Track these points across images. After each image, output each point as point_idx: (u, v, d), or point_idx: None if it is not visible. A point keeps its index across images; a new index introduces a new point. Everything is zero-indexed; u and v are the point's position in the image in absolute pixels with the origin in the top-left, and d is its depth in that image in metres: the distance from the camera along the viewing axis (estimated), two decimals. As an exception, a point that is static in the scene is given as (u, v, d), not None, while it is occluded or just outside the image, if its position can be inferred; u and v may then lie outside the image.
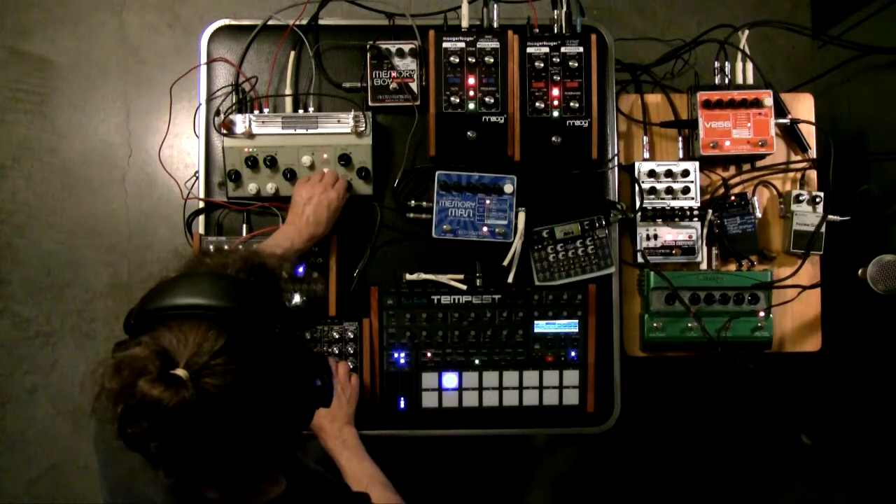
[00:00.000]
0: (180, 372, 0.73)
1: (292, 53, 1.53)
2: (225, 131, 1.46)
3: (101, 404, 0.75)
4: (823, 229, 1.58)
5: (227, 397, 0.74)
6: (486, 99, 1.47)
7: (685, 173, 1.58)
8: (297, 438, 0.92)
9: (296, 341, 0.88)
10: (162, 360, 0.73)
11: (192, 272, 0.85)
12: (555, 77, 1.48)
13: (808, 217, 1.59)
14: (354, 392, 1.42)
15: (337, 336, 1.49)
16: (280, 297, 0.90)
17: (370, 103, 1.51)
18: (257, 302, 0.82)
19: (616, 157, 1.58)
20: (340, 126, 1.47)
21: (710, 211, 1.58)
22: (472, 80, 1.48)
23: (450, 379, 1.52)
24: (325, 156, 1.48)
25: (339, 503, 1.01)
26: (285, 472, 0.97)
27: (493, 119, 1.48)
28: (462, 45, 1.48)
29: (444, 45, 1.47)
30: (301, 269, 1.45)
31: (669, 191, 1.57)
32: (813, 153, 1.64)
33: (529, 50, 1.48)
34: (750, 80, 1.60)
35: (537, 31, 1.51)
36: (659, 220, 1.58)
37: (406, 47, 1.50)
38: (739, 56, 1.60)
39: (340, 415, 1.36)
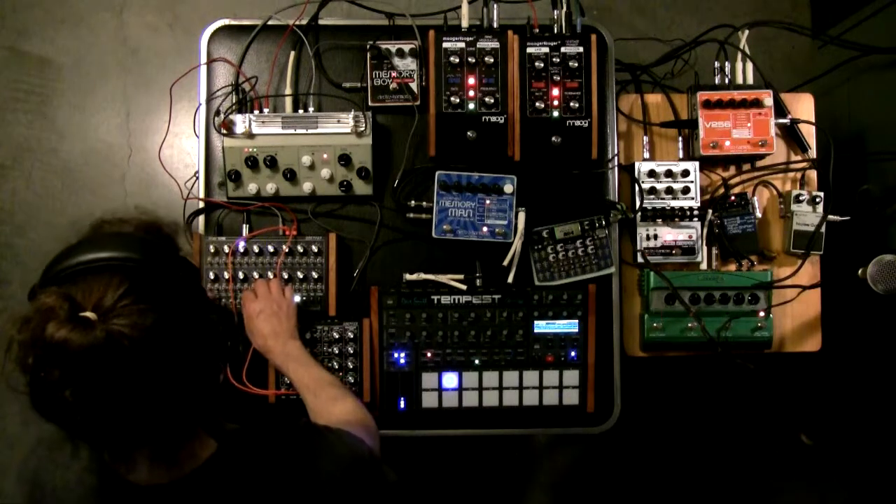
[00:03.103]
0: (88, 314, 0.74)
1: (292, 53, 1.53)
2: (225, 131, 1.47)
3: (12, 365, 0.76)
4: (823, 229, 1.58)
5: (137, 336, 0.76)
6: (486, 99, 1.47)
7: (685, 173, 1.58)
8: (212, 387, 0.93)
9: (197, 288, 0.92)
10: (70, 304, 0.75)
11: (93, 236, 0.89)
12: (555, 77, 1.48)
13: (808, 217, 1.59)
14: (290, 306, 1.41)
15: (337, 336, 1.49)
16: (177, 252, 0.95)
17: (370, 103, 1.51)
18: (156, 251, 0.86)
19: (616, 157, 1.58)
20: (340, 126, 1.47)
21: (710, 211, 1.58)
22: (472, 80, 1.48)
23: (450, 379, 1.52)
24: (325, 156, 1.48)
25: (274, 445, 0.99)
26: (212, 433, 0.96)
27: (493, 119, 1.48)
28: (462, 45, 1.48)
29: (444, 45, 1.47)
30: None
31: (669, 191, 1.57)
32: (813, 153, 1.64)
33: (529, 50, 1.48)
34: (750, 80, 1.60)
35: (537, 31, 1.51)
36: (659, 220, 1.58)
37: (406, 47, 1.50)
38: (739, 56, 1.61)
39: (282, 330, 1.36)
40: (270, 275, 1.47)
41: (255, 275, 1.48)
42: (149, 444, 0.88)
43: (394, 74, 1.51)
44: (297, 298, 1.48)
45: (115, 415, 0.78)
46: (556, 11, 1.52)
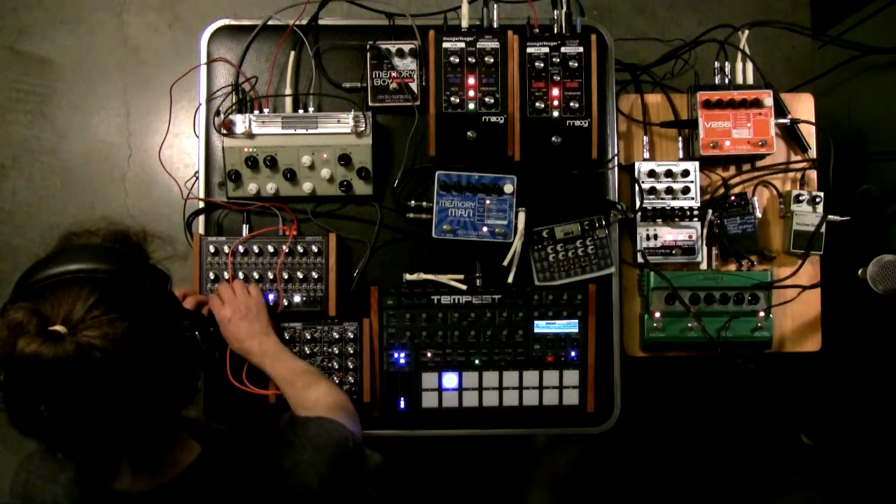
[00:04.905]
0: (58, 327, 0.75)
1: (292, 53, 1.52)
2: (225, 131, 1.47)
3: None
4: (823, 229, 1.58)
5: (108, 347, 0.76)
6: (486, 99, 1.47)
7: (685, 173, 1.58)
8: (190, 393, 0.93)
9: (168, 296, 0.91)
10: (39, 318, 0.75)
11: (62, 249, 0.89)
12: (555, 77, 1.48)
13: (808, 217, 1.59)
14: (258, 304, 1.40)
15: (337, 336, 1.49)
16: (146, 260, 0.95)
17: (370, 103, 1.51)
18: (124, 261, 0.86)
19: (616, 157, 1.58)
20: (340, 126, 1.47)
21: (710, 211, 1.58)
22: (472, 80, 1.48)
23: (450, 379, 1.52)
24: (325, 156, 1.48)
25: (257, 445, 1.00)
26: (196, 437, 0.96)
27: (493, 119, 1.48)
28: (462, 45, 1.48)
29: (444, 45, 1.47)
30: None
31: (669, 191, 1.57)
32: (813, 153, 1.64)
33: (529, 50, 1.48)
34: (750, 80, 1.60)
35: (537, 31, 1.51)
36: (659, 220, 1.58)
37: (406, 47, 1.50)
38: (739, 56, 1.60)
39: (254, 330, 1.35)
40: (270, 275, 1.48)
41: (255, 275, 1.48)
42: (130, 453, 0.88)
43: (394, 74, 1.51)
44: (298, 299, 1.48)
45: (92, 426, 0.78)
46: (556, 11, 1.51)
